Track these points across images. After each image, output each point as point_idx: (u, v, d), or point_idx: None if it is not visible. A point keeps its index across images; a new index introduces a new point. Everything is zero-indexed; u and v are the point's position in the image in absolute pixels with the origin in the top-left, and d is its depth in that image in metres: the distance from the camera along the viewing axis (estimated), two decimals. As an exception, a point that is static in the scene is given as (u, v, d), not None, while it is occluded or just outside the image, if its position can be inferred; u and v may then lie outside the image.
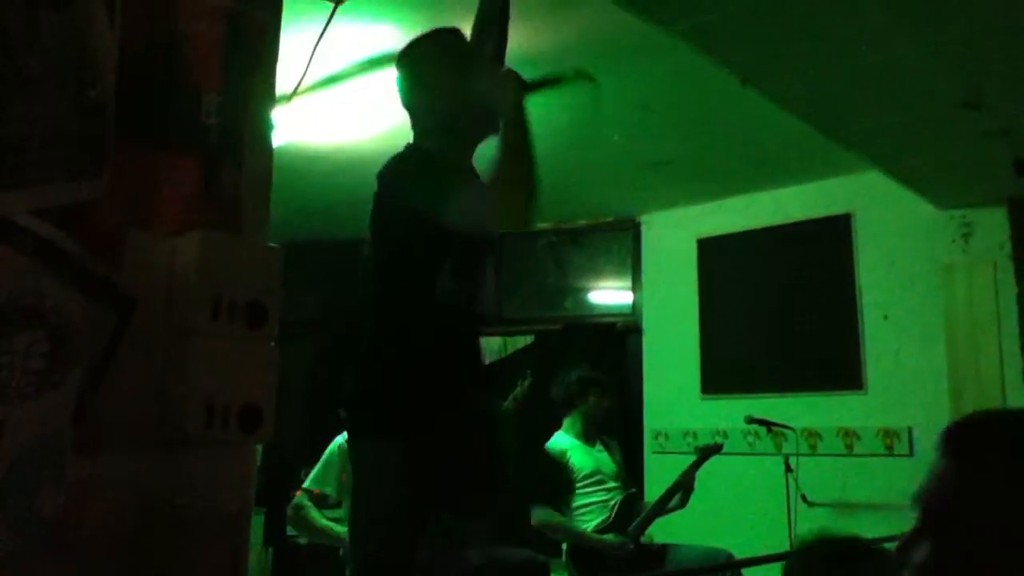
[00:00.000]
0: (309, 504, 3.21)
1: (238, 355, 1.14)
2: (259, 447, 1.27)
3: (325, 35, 1.84)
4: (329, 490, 3.20)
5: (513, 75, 1.97)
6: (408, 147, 2.04)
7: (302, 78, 1.71)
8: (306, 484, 3.25)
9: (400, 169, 1.97)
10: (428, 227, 1.85)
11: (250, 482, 1.21)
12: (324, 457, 3.26)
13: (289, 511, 3.25)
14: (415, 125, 2.06)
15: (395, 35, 3.28)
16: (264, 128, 1.30)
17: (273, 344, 1.18)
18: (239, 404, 1.13)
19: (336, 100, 3.77)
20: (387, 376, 1.92)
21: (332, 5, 1.78)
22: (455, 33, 2.07)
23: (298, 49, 1.78)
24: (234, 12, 1.27)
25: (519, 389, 4.21)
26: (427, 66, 2.01)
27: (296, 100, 2.20)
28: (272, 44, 1.35)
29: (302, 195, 4.98)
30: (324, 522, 3.21)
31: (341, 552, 3.18)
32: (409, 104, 2.06)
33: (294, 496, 3.28)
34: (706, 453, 3.97)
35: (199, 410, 1.11)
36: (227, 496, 1.18)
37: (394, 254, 1.96)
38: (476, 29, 2.14)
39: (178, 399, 1.12)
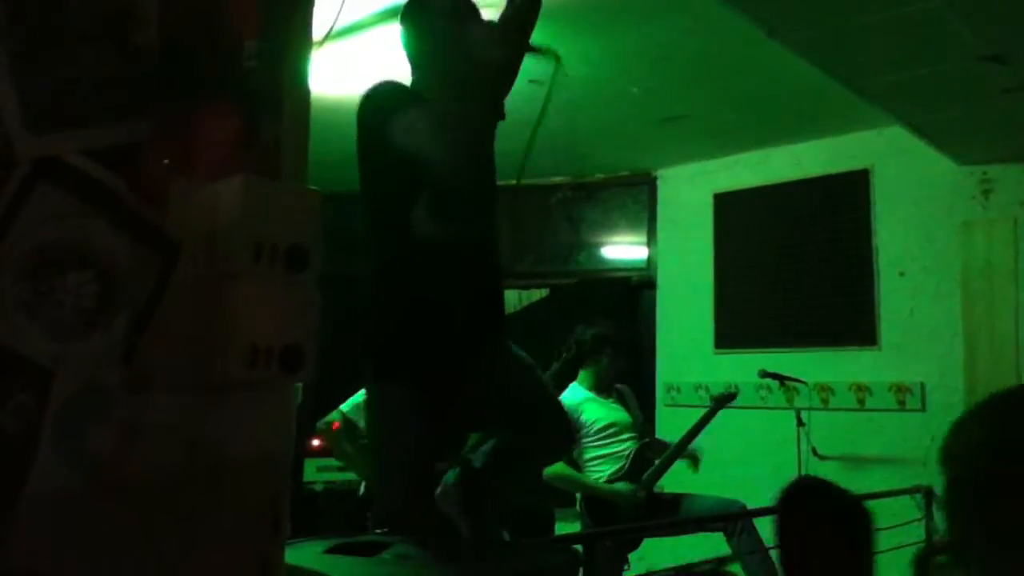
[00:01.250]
0: (339, 430, 3.20)
1: (280, 297, 1.16)
2: (299, 388, 1.29)
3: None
4: (363, 424, 3.22)
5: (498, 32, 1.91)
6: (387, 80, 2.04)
7: (332, 27, 1.71)
8: (343, 407, 3.25)
9: (371, 96, 1.96)
10: (399, 157, 1.83)
11: (291, 423, 1.24)
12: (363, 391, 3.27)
13: (321, 425, 3.25)
14: (414, 77, 2.11)
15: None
16: (302, 73, 1.30)
17: (314, 286, 1.20)
18: (281, 345, 1.15)
19: (353, 51, 3.75)
20: (378, 320, 1.94)
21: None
22: None
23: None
24: (271, -44, 1.26)
25: (557, 365, 4.15)
26: (425, 17, 2.07)
27: (318, 50, 2.19)
28: (309, -12, 1.34)
29: (320, 147, 4.98)
30: (350, 448, 3.22)
31: (360, 491, 3.20)
32: (410, 55, 2.10)
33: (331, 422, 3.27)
34: (720, 402, 4.01)
35: (243, 352, 1.13)
36: (269, 437, 1.21)
37: (369, 186, 1.96)
38: None
39: (222, 342, 1.14)
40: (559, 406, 2.12)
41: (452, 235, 1.92)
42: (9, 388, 0.99)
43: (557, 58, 1.96)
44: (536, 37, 2.02)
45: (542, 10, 2.06)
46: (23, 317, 0.98)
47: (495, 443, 2.06)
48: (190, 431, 1.16)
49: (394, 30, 3.53)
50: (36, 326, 0.99)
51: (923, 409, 4.65)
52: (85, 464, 1.07)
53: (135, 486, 1.13)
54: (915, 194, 4.84)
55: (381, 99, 1.95)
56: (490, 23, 1.95)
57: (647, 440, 4.13)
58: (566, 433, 2.14)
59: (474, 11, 2.07)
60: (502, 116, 2.12)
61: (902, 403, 4.71)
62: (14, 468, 1.02)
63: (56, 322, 1.00)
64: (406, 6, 2.13)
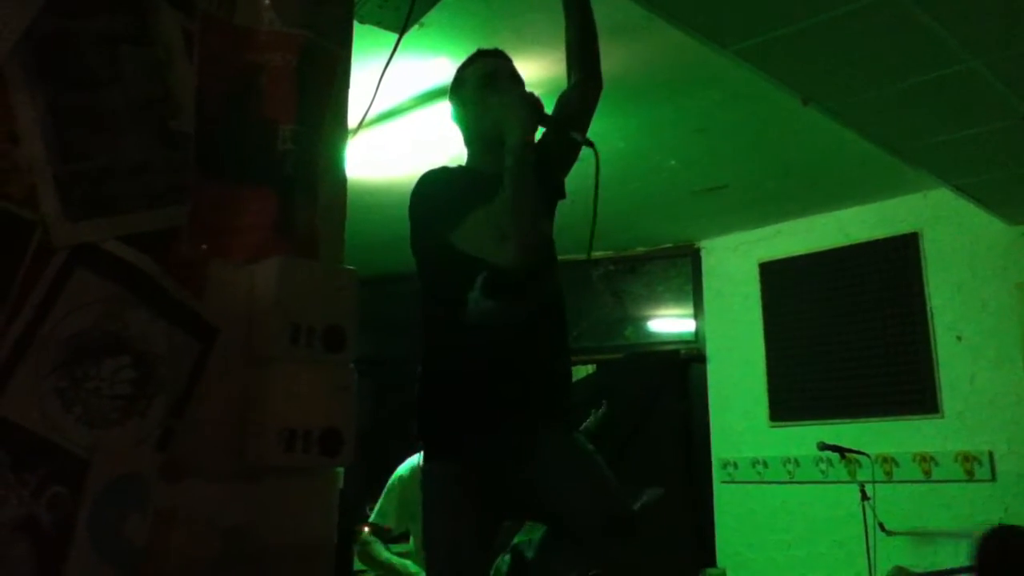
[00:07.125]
0: (373, 539, 3.21)
1: (318, 379, 1.14)
2: (341, 472, 1.26)
3: (387, 68, 1.85)
4: (390, 523, 3.19)
5: (533, 100, 1.86)
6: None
7: (367, 111, 1.73)
8: (371, 519, 3.25)
9: (423, 184, 1.95)
10: (452, 250, 1.77)
11: (333, 508, 1.21)
12: (385, 489, 3.26)
13: (356, 547, 3.24)
14: (467, 152, 2.11)
15: (451, 69, 3.32)
16: (337, 157, 1.31)
17: (352, 367, 1.18)
18: (320, 429, 1.13)
19: (395, 135, 3.82)
20: (426, 400, 1.89)
21: (396, 36, 1.80)
22: (489, 54, 2.11)
23: (359, 84, 1.78)
24: (307, 43, 1.29)
25: (592, 419, 4.07)
26: (458, 83, 2.10)
27: (357, 135, 2.21)
28: (343, 74, 1.36)
29: (362, 231, 5.04)
30: (386, 555, 3.20)
31: None
32: (462, 132, 2.12)
33: (360, 531, 3.27)
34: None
35: (281, 436, 1.11)
36: (310, 523, 1.18)
37: (423, 270, 1.93)
38: (568, 61, 2.15)
39: (260, 426, 1.12)
40: (612, 506, 1.92)
41: (507, 318, 1.84)
42: (44, 479, 0.97)
43: (593, 148, 1.91)
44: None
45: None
46: (58, 406, 0.97)
47: (547, 535, 1.97)
48: (229, 519, 1.13)
49: (431, 113, 3.62)
50: (72, 415, 0.98)
51: (993, 479, 4.43)
52: (122, 556, 1.04)
53: (173, 575, 1.10)
54: (966, 256, 4.72)
55: (433, 189, 1.93)
56: (524, 91, 1.94)
57: None
58: (614, 536, 1.97)
59: (509, 77, 2.05)
60: (562, 195, 2.10)
61: (970, 473, 4.50)
62: (50, 562, 1.00)
63: (92, 410, 0.99)
64: (451, 82, 2.17)
